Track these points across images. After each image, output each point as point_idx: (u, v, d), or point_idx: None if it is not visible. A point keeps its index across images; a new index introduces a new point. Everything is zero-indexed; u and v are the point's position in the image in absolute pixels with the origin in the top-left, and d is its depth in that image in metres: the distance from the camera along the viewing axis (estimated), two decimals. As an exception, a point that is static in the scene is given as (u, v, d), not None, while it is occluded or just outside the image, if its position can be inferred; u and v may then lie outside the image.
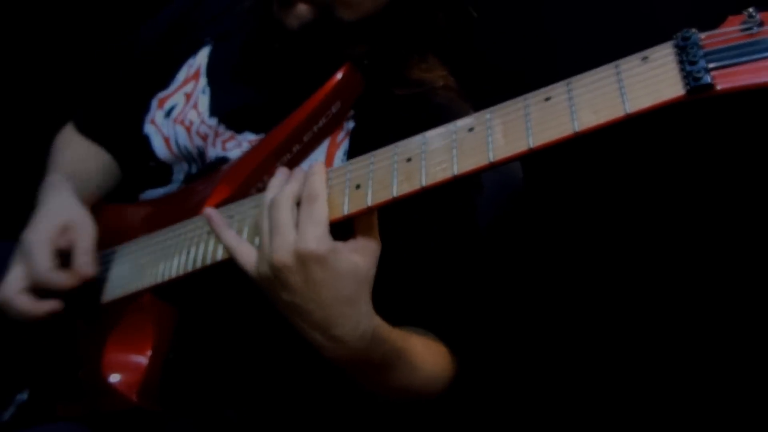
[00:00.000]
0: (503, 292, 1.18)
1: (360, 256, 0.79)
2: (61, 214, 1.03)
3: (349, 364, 0.84)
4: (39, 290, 1.00)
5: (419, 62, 1.05)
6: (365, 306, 0.80)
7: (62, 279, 0.99)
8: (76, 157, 1.22)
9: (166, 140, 1.12)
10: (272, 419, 1.05)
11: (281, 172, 0.85)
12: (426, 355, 0.92)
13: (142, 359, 0.95)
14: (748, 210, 1.21)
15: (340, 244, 0.78)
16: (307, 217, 0.77)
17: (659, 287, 1.32)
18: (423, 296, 0.95)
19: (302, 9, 0.97)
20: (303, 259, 0.76)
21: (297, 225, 0.77)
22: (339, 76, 1.00)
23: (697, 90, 0.63)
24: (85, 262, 1.00)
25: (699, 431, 1.30)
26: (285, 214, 0.78)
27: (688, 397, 1.30)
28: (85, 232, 1.03)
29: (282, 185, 0.82)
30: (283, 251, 0.76)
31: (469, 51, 1.08)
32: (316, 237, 0.76)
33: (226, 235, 0.85)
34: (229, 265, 0.92)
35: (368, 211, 0.80)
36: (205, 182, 1.05)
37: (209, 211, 0.88)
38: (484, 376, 1.18)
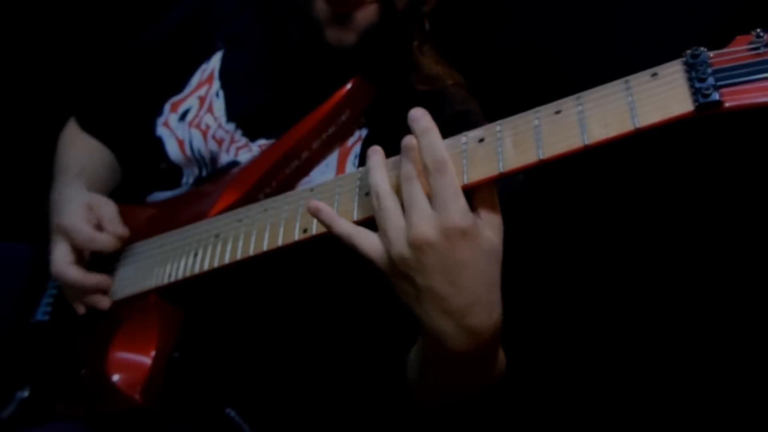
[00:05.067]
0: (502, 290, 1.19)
1: (491, 232, 0.73)
2: (83, 197, 1.07)
3: (469, 356, 0.75)
4: (83, 263, 1.04)
5: (429, 55, 1.07)
6: (499, 292, 0.74)
7: (106, 239, 1.02)
8: (83, 154, 1.24)
9: (180, 143, 1.13)
10: (274, 420, 1.06)
11: (375, 152, 0.78)
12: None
13: (146, 359, 0.95)
14: (749, 215, 1.22)
15: (478, 219, 0.72)
16: (442, 188, 0.70)
17: (658, 288, 1.32)
18: None
19: (369, 11, 0.97)
20: (448, 235, 0.69)
21: (432, 199, 0.70)
22: (348, 86, 1.02)
23: (705, 107, 0.65)
24: (115, 226, 1.04)
25: (699, 431, 1.30)
26: (417, 188, 0.71)
27: (688, 397, 1.30)
28: (107, 206, 1.07)
29: (381, 164, 0.76)
30: (425, 227, 0.69)
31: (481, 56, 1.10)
32: (459, 210, 0.69)
33: (340, 225, 0.77)
34: (236, 269, 0.93)
35: (487, 183, 0.74)
36: (213, 186, 1.06)
37: (316, 204, 0.79)
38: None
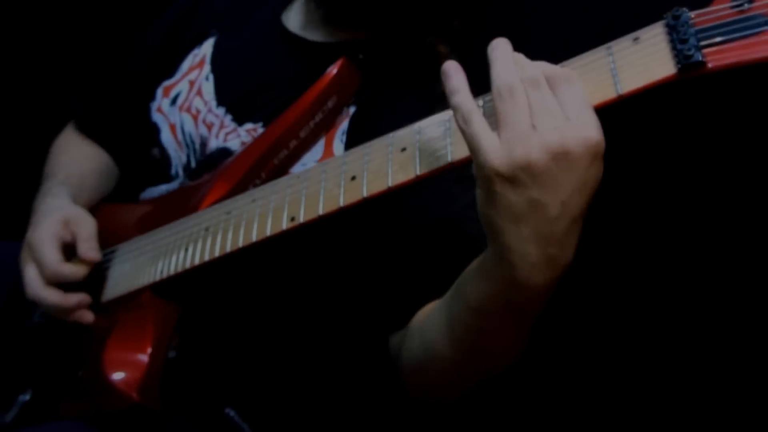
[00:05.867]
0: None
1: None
2: (60, 212, 1.05)
3: (534, 295, 0.69)
4: (57, 285, 1.01)
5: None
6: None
7: (72, 270, 1.00)
8: (72, 161, 1.23)
9: (172, 127, 1.13)
10: (273, 418, 1.05)
11: (502, 43, 0.67)
12: None
13: (143, 357, 0.95)
14: (748, 205, 1.19)
15: None
16: (575, 98, 0.63)
17: (657, 287, 1.30)
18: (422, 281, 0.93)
19: None
20: (589, 150, 0.61)
21: (564, 110, 0.63)
22: (334, 70, 1.01)
23: (688, 68, 0.63)
24: (88, 248, 1.01)
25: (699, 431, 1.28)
26: (548, 93, 0.63)
27: (688, 397, 1.29)
28: (85, 222, 1.04)
29: (510, 57, 0.66)
30: (569, 135, 0.61)
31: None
32: (597, 125, 0.62)
33: (466, 96, 0.67)
34: (230, 263, 0.93)
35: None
36: (204, 179, 1.05)
37: (451, 64, 0.69)
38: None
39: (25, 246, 1.04)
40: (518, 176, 0.62)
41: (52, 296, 0.99)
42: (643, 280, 1.31)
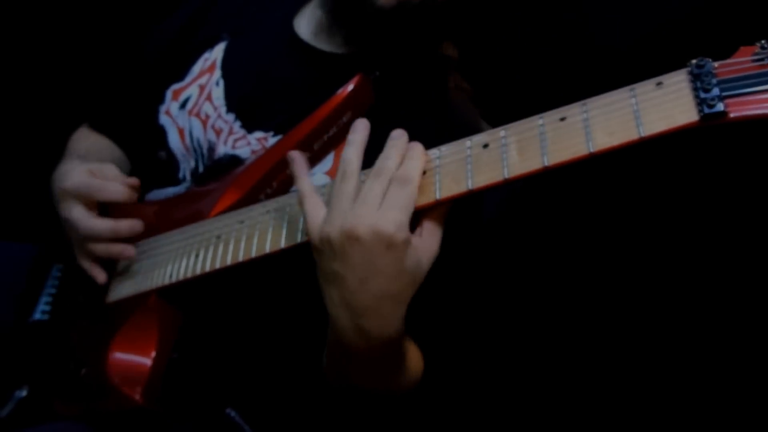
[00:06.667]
0: (500, 290, 1.19)
1: (423, 257, 0.76)
2: (83, 166, 1.06)
3: (354, 354, 0.82)
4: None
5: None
6: (403, 310, 0.79)
7: (118, 187, 1.01)
8: (90, 146, 1.25)
9: (181, 131, 1.13)
10: (274, 420, 1.06)
11: (362, 129, 0.80)
12: (413, 358, 0.94)
13: (147, 360, 0.96)
14: (748, 212, 1.22)
15: (413, 239, 0.75)
16: (395, 197, 0.74)
17: (657, 286, 1.33)
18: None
19: None
20: (378, 240, 0.72)
21: (383, 201, 0.74)
22: (350, 87, 1.02)
23: (710, 117, 0.66)
24: (123, 179, 1.04)
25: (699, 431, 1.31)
26: (379, 187, 0.75)
27: (688, 397, 1.31)
28: (108, 168, 1.06)
29: (361, 143, 0.79)
30: (362, 223, 0.72)
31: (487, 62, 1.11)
32: (397, 222, 0.73)
33: (304, 182, 0.81)
34: (237, 269, 0.94)
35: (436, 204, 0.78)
36: (213, 185, 1.06)
37: (294, 153, 0.84)
38: (450, 378, 1.20)
39: (61, 198, 1.04)
40: (323, 248, 0.76)
41: (106, 223, 1.01)
42: (642, 282, 1.34)
